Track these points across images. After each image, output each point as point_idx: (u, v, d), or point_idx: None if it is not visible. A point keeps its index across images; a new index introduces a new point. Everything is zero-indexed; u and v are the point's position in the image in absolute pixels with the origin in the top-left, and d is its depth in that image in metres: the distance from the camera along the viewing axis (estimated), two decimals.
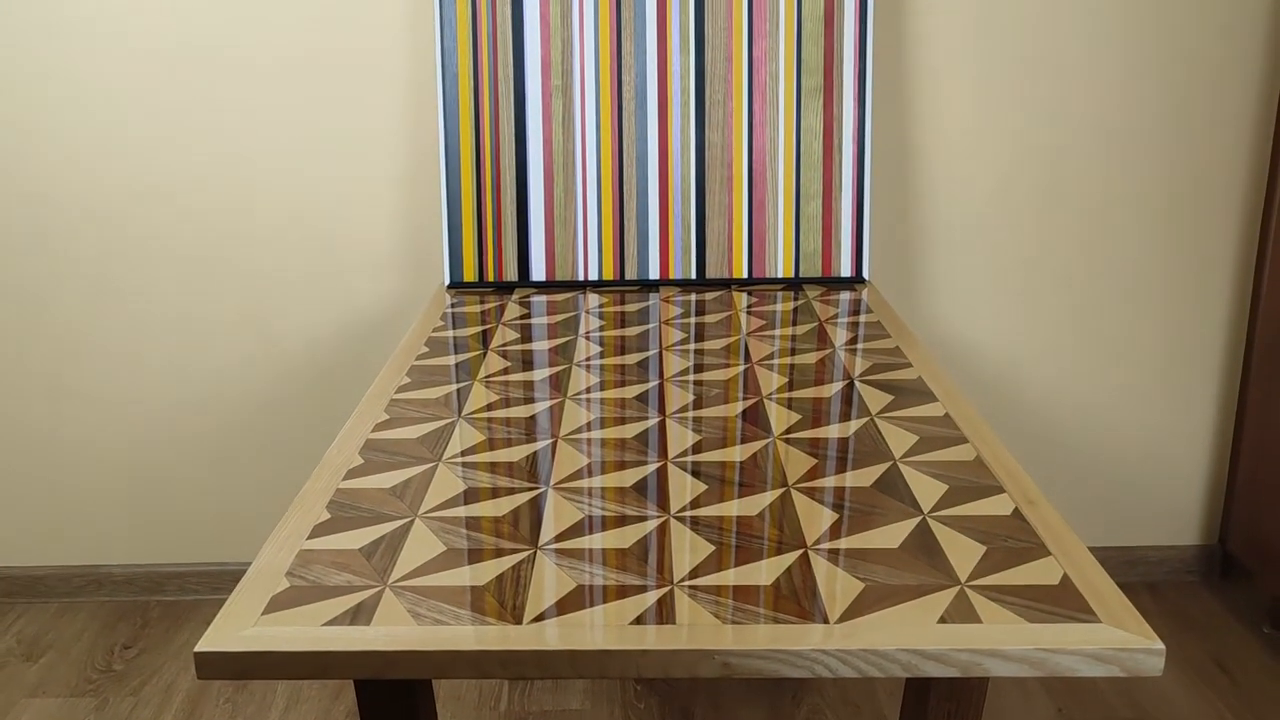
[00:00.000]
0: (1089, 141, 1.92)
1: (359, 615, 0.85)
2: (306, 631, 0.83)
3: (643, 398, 1.31)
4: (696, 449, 1.16)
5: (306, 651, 0.81)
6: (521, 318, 1.66)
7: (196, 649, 0.81)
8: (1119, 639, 0.80)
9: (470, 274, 1.82)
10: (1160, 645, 0.80)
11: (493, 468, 1.13)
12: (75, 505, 2.12)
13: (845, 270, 1.82)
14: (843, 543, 0.95)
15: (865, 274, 1.82)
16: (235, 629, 0.84)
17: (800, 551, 0.94)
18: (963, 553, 0.93)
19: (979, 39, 1.87)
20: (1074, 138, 1.92)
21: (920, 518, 0.99)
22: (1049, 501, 1.97)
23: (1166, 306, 2.01)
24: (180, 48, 1.87)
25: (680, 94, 1.77)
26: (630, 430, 1.21)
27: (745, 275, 1.82)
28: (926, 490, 1.05)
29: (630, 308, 1.70)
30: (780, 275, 1.82)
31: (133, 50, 1.87)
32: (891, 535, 0.96)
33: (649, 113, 1.78)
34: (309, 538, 0.98)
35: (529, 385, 1.36)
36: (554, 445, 1.18)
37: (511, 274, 1.82)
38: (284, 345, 2.02)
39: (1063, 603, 0.85)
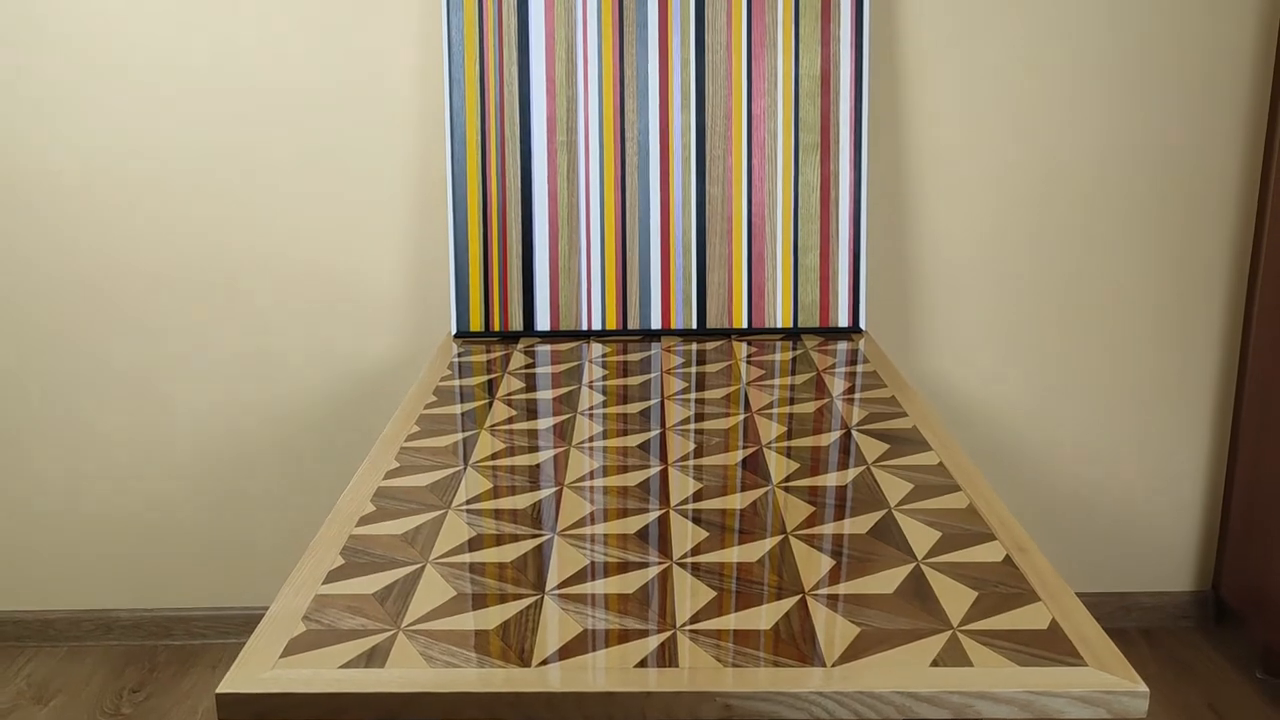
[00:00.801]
0: (1076, 192, 1.98)
1: (374, 658, 0.88)
2: (323, 674, 0.86)
3: (645, 446, 1.35)
4: (698, 497, 1.20)
5: (324, 693, 0.84)
6: (527, 367, 1.70)
7: (219, 690, 0.85)
8: (1105, 682, 0.84)
9: (477, 324, 1.86)
10: (1144, 688, 0.83)
11: (499, 515, 1.16)
12: (84, 550, 2.15)
13: (843, 320, 1.87)
14: (839, 588, 0.99)
15: (862, 324, 1.87)
16: (255, 671, 0.87)
17: (799, 597, 0.97)
18: (955, 598, 0.96)
19: (969, 97, 1.93)
20: (1061, 188, 1.97)
21: (914, 564, 1.03)
22: (1039, 549, 1.99)
23: (1157, 353, 2.05)
24: (184, 110, 1.92)
25: (681, 150, 1.83)
26: (633, 478, 1.25)
27: (745, 325, 1.87)
28: (920, 537, 1.08)
29: (633, 357, 1.75)
30: (779, 325, 1.87)
31: (138, 102, 1.92)
32: (886, 581, 1.00)
33: (651, 168, 1.83)
34: (324, 582, 1.01)
35: (534, 434, 1.40)
36: (559, 493, 1.21)
37: (517, 324, 1.86)
38: (293, 392, 2.06)
39: (1051, 647, 0.88)
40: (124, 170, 1.95)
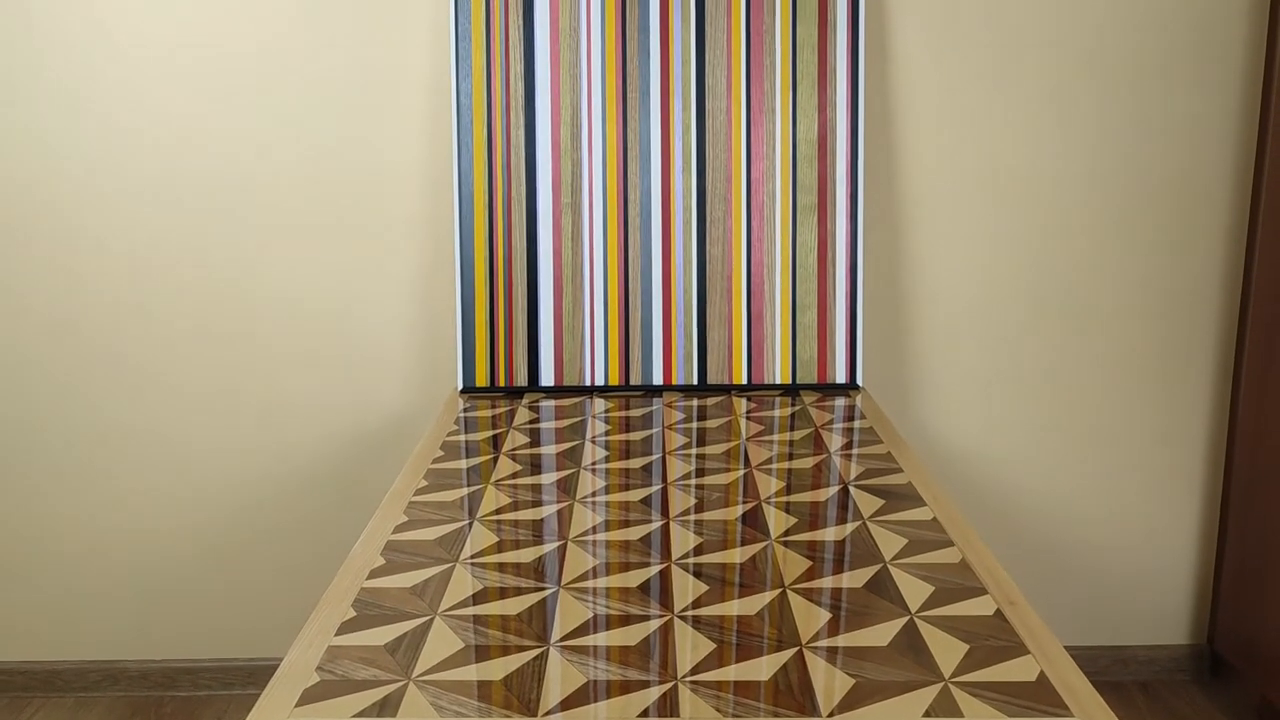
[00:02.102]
0: (1067, 251, 2.03)
1: (385, 708, 0.91)
2: None
3: (647, 501, 1.38)
4: (698, 551, 1.23)
5: None
6: (531, 422, 1.74)
7: None
8: None
9: (483, 379, 1.91)
10: None
11: (504, 568, 1.19)
12: (91, 601, 2.17)
13: (840, 377, 1.91)
14: (836, 641, 1.02)
15: (859, 380, 1.91)
16: None
17: (796, 649, 1.00)
18: (947, 651, 0.99)
19: (963, 160, 1.98)
20: (1051, 247, 2.03)
21: (908, 618, 1.06)
22: (1035, 602, 2.02)
23: (1149, 407, 2.09)
24: (194, 165, 1.98)
25: (683, 211, 1.88)
26: (635, 532, 1.28)
27: (745, 381, 1.91)
28: (914, 591, 1.11)
29: (635, 412, 1.79)
30: (778, 381, 1.91)
31: (147, 161, 1.98)
32: (881, 634, 1.03)
33: (653, 228, 1.88)
34: (337, 634, 1.05)
35: (538, 489, 1.44)
36: (563, 547, 1.25)
37: (522, 379, 1.91)
38: (302, 444, 2.10)
39: (1039, 698, 0.92)
40: (135, 226, 2.01)
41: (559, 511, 1.35)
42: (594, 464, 1.53)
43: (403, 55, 1.94)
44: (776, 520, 1.32)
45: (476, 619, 1.07)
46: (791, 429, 1.69)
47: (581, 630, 1.05)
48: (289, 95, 1.96)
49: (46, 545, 2.15)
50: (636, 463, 1.53)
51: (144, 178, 1.99)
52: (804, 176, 1.88)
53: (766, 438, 1.65)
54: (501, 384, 1.91)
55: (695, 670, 0.97)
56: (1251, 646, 2.03)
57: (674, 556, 1.21)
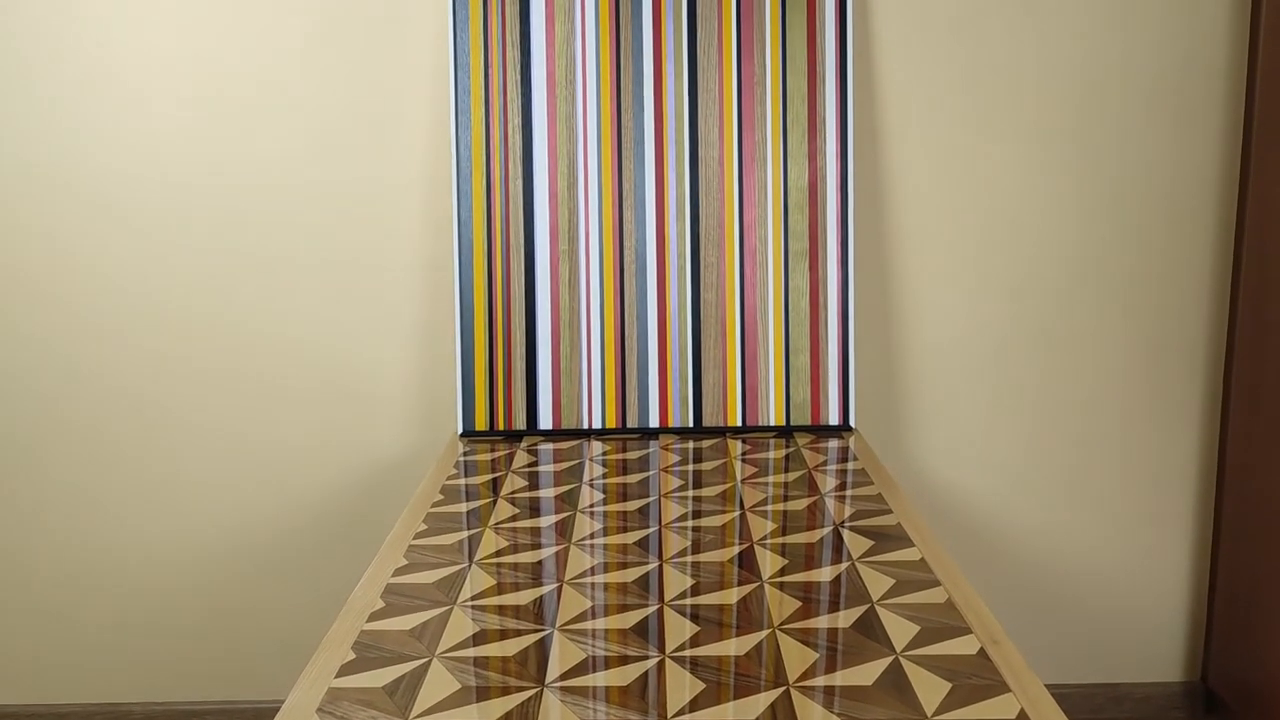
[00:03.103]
0: (1056, 291, 2.07)
1: None
2: None
3: (643, 543, 1.42)
4: (693, 592, 1.26)
5: None
6: (530, 465, 1.77)
7: None
8: None
9: (482, 423, 1.94)
10: None
11: (502, 610, 1.22)
12: (95, 643, 2.19)
13: (833, 418, 1.94)
14: (823, 680, 1.05)
15: (852, 421, 1.94)
16: None
17: (784, 689, 1.03)
18: (930, 689, 1.02)
19: (952, 206, 2.03)
20: (1040, 288, 2.06)
21: (894, 657, 1.09)
22: (1028, 640, 2.04)
23: (1140, 445, 2.12)
24: (193, 209, 2.03)
25: (677, 257, 1.92)
26: (631, 574, 1.31)
27: (739, 423, 1.94)
28: (900, 631, 1.14)
29: (632, 455, 1.82)
30: (772, 423, 1.94)
31: (148, 200, 2.03)
32: (867, 673, 1.06)
33: (648, 274, 1.92)
34: (337, 676, 1.07)
35: (536, 531, 1.47)
36: (559, 589, 1.28)
37: (520, 423, 1.94)
38: (304, 488, 2.13)
39: None
40: (136, 267, 2.05)
41: (556, 554, 1.38)
42: (591, 507, 1.56)
43: (404, 107, 1.99)
44: (771, 561, 1.34)
45: (474, 660, 1.10)
46: (785, 471, 1.72)
47: (577, 671, 1.08)
48: (293, 144, 2.01)
49: (49, 587, 2.17)
50: (633, 505, 1.56)
51: (146, 219, 2.03)
52: (795, 223, 1.92)
53: (761, 480, 1.68)
54: (501, 428, 1.94)
55: (689, 709, 0.99)
56: (1245, 683, 2.05)
57: (668, 598, 1.24)
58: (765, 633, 1.15)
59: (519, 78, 1.91)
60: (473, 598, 1.26)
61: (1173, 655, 2.21)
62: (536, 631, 1.17)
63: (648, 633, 1.16)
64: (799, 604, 1.22)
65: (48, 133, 2.00)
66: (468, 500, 1.61)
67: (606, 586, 1.28)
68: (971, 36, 1.99)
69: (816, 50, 1.91)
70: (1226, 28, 1.99)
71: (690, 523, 1.49)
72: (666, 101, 1.91)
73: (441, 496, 1.62)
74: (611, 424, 1.94)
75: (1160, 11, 1.98)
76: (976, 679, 1.04)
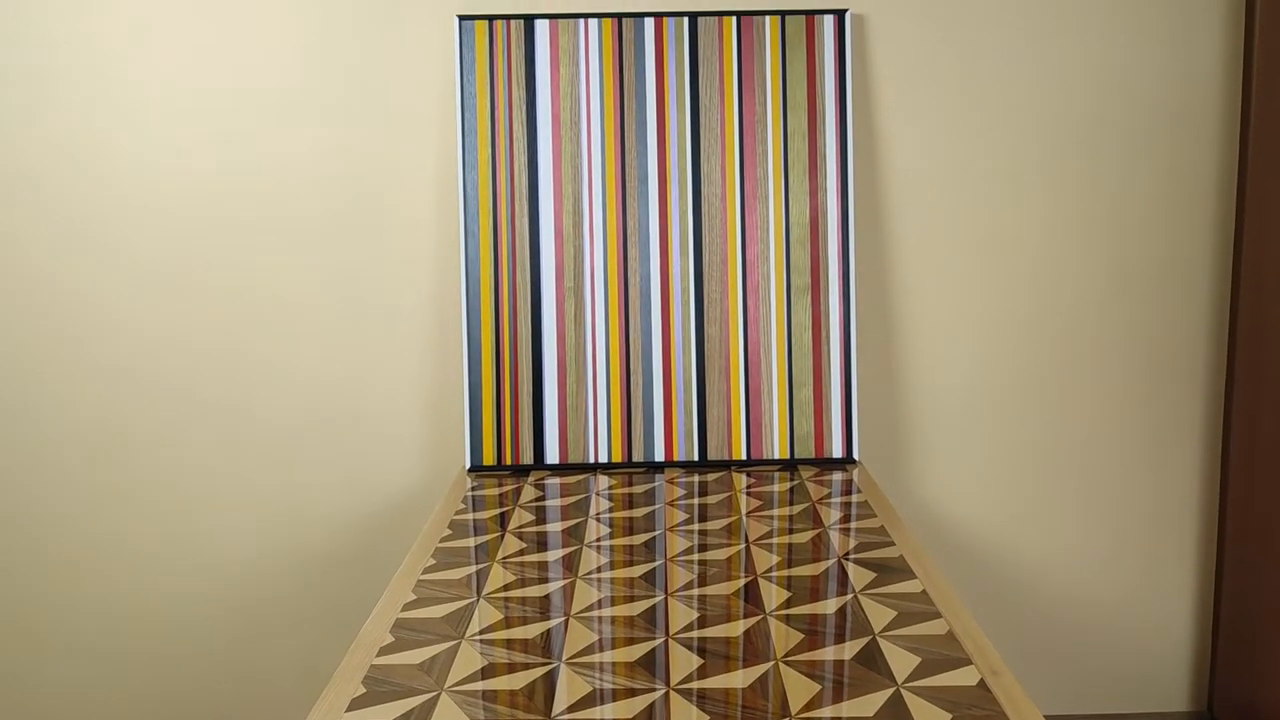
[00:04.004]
0: (1057, 323, 2.09)
1: None
2: None
3: (648, 577, 1.43)
4: (699, 624, 1.28)
5: None
6: (537, 500, 1.79)
7: None
8: None
9: (489, 458, 1.96)
10: None
11: (510, 644, 1.24)
12: (106, 682, 2.21)
13: (837, 451, 1.96)
14: (825, 712, 1.06)
15: (855, 454, 1.96)
16: None
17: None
18: None
19: (950, 240, 2.06)
20: (1041, 321, 2.09)
21: (894, 688, 1.10)
22: (1033, 671, 2.04)
23: (1143, 475, 2.14)
24: (206, 247, 2.06)
25: (681, 293, 1.95)
26: (637, 608, 1.33)
27: (744, 457, 1.96)
28: (901, 662, 1.16)
29: (637, 489, 1.84)
30: (776, 457, 1.96)
31: (159, 239, 2.06)
32: (868, 705, 1.07)
33: (653, 310, 1.95)
34: (347, 710, 1.09)
35: (543, 565, 1.49)
36: (566, 623, 1.29)
37: (528, 457, 1.96)
38: (314, 522, 2.15)
39: None
40: (146, 306, 2.08)
41: (563, 588, 1.40)
42: (597, 541, 1.58)
43: (412, 148, 2.03)
44: (776, 594, 1.36)
45: (483, 694, 1.12)
46: (790, 504, 1.74)
47: (585, 703, 1.09)
48: (304, 186, 2.04)
49: (60, 627, 2.19)
50: (639, 538, 1.58)
51: (154, 259, 2.07)
52: (797, 258, 1.95)
53: (765, 513, 1.70)
54: (508, 462, 1.97)
55: None
56: (1251, 712, 2.05)
57: (674, 631, 1.26)
58: (770, 665, 1.17)
59: (524, 118, 1.95)
60: (481, 631, 1.27)
61: (1178, 685, 2.22)
62: (544, 665, 1.18)
63: (654, 665, 1.17)
64: (803, 636, 1.24)
65: (57, 193, 2.04)
66: (475, 535, 1.63)
67: (613, 620, 1.30)
68: (970, 74, 2.02)
69: (816, 89, 1.95)
70: (1221, 60, 2.02)
71: (695, 556, 1.51)
72: (669, 140, 1.95)
73: (450, 531, 1.64)
74: (617, 458, 1.96)
75: (1156, 45, 2.02)
76: (976, 710, 1.05)
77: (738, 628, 1.26)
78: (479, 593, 1.39)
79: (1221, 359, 2.11)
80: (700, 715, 1.06)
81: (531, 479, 1.92)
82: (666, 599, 1.36)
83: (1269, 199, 1.95)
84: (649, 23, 1.95)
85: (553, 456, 1.96)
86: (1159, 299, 2.09)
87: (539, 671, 1.17)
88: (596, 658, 1.20)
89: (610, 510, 1.72)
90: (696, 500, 1.77)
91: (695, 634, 1.25)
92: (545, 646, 1.23)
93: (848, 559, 1.48)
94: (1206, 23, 2.01)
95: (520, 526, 1.65)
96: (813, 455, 1.96)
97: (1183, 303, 2.09)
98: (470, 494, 1.84)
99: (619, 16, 1.95)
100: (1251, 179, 1.99)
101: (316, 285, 2.07)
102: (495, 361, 1.96)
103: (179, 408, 2.11)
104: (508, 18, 1.95)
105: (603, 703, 1.09)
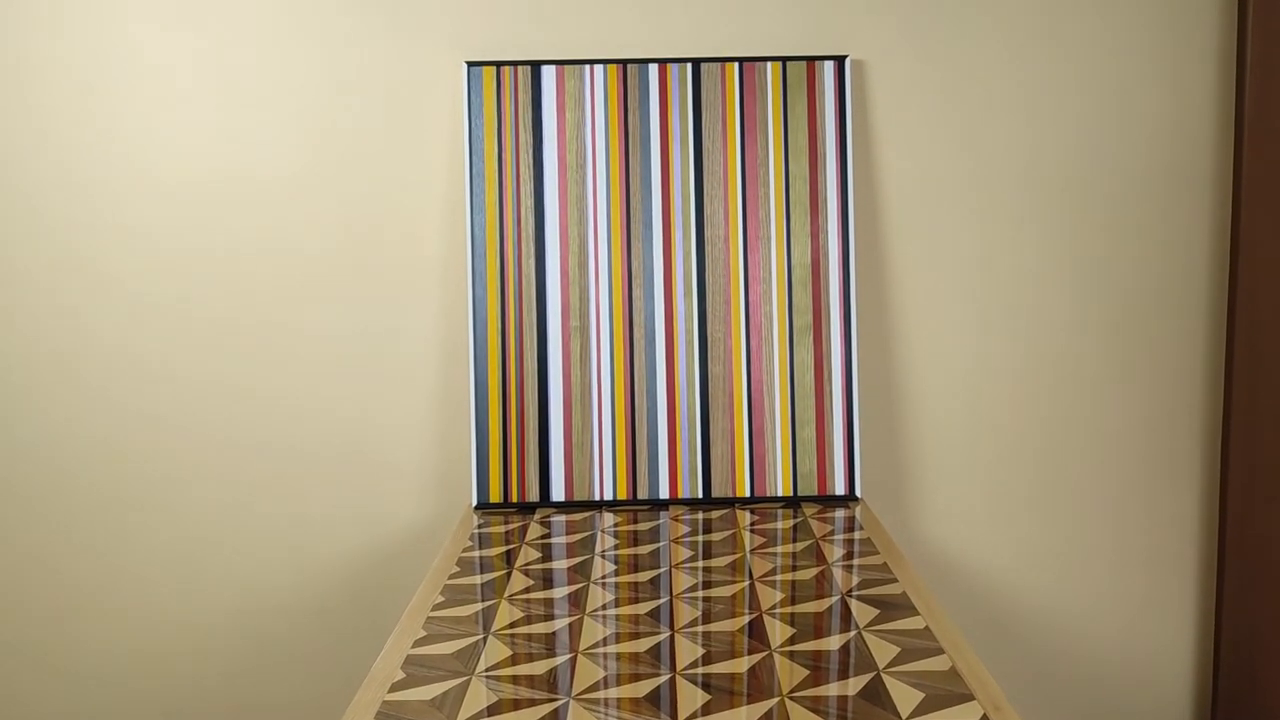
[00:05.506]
0: (1057, 362, 2.12)
1: None
2: None
3: (654, 613, 1.45)
4: (705, 660, 1.30)
5: None
6: (543, 537, 1.81)
7: None
8: None
9: (496, 495, 1.99)
10: None
11: (518, 681, 1.26)
12: (114, 710, 2.22)
13: (839, 489, 1.98)
14: None
15: (858, 491, 1.98)
16: None
17: None
18: None
19: (951, 276, 2.09)
20: (1039, 359, 2.11)
21: None
22: (1035, 706, 2.05)
23: (1143, 510, 2.16)
24: (214, 289, 2.10)
25: (685, 333, 1.98)
26: (643, 644, 1.35)
27: (748, 494, 1.99)
28: (905, 698, 1.18)
29: (643, 526, 1.86)
30: (780, 494, 1.99)
31: (164, 280, 2.09)
32: None
33: (657, 349, 1.98)
34: None
35: (550, 603, 1.50)
36: (573, 659, 1.31)
37: (534, 495, 1.99)
38: (322, 560, 2.16)
39: None
40: (152, 337, 2.11)
41: (570, 625, 1.42)
42: (603, 578, 1.60)
43: (420, 191, 2.06)
44: (780, 631, 1.38)
45: None
46: (793, 541, 1.76)
47: None
48: (313, 225, 2.08)
49: (60, 664, 2.20)
50: (644, 575, 1.60)
51: (159, 293, 2.10)
52: (799, 299, 1.98)
53: (769, 550, 1.72)
54: (514, 500, 1.99)
55: None
56: None
57: (680, 667, 1.28)
58: (775, 701, 1.18)
59: (531, 161, 1.99)
60: (490, 668, 1.29)
61: (1180, 716, 2.23)
62: (551, 701, 1.20)
63: (660, 701, 1.19)
64: (808, 672, 1.25)
65: (63, 209, 2.08)
66: (483, 572, 1.65)
67: (619, 656, 1.32)
68: (968, 118, 2.06)
69: (817, 133, 1.99)
70: (1214, 103, 2.06)
71: (700, 593, 1.53)
72: (673, 184, 1.99)
73: (458, 568, 1.66)
74: (623, 495, 1.99)
75: (1150, 91, 2.06)
76: None
77: (743, 664, 1.28)
78: (487, 629, 1.41)
79: (1219, 392, 2.13)
80: None
81: (537, 516, 1.94)
82: (672, 635, 1.37)
83: (1263, 234, 1.99)
84: (653, 69, 1.99)
85: (558, 494, 1.99)
86: (1157, 333, 2.12)
87: (547, 708, 1.19)
88: (603, 694, 1.22)
89: (616, 547, 1.74)
90: (701, 537, 1.79)
91: (701, 670, 1.27)
92: (553, 683, 1.25)
93: (851, 595, 1.50)
94: (1201, 64, 2.05)
95: (527, 563, 1.67)
96: (815, 492, 1.99)
97: (1179, 337, 2.12)
98: (477, 531, 1.86)
99: (624, 63, 1.99)
100: (1245, 217, 2.03)
101: (327, 324, 2.10)
102: (502, 400, 1.98)
103: (187, 443, 2.13)
104: (515, 64, 2.00)
105: None
